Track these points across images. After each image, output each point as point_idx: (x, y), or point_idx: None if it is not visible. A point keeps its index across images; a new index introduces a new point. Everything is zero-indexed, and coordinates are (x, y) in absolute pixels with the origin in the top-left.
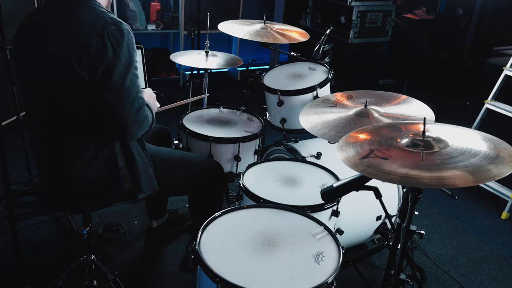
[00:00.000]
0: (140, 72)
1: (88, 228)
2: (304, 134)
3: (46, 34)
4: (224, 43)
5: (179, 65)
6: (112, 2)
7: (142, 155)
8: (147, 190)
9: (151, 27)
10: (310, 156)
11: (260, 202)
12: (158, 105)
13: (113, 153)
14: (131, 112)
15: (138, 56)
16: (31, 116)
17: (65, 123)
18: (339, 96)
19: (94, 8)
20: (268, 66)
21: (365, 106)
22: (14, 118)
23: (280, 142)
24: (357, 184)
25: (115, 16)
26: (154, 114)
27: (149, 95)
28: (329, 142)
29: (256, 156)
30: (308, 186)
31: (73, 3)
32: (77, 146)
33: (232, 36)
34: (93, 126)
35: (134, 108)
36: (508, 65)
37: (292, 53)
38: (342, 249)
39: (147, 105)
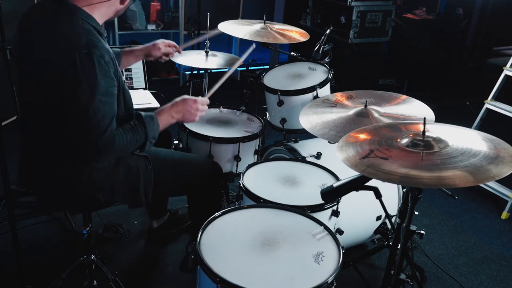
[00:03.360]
0: (140, 72)
1: (88, 228)
2: (304, 134)
3: (32, 40)
4: (224, 43)
5: (179, 65)
6: None
7: (134, 169)
8: (130, 204)
9: (151, 27)
10: (310, 156)
11: (260, 202)
12: (195, 118)
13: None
14: (89, 138)
15: None
16: (26, 114)
17: (46, 129)
18: (339, 96)
19: (75, 21)
20: (268, 66)
21: (365, 106)
22: (14, 118)
23: (280, 142)
24: (357, 184)
25: (96, 37)
26: (147, 133)
27: (181, 108)
28: (329, 142)
29: (256, 156)
30: (308, 186)
31: (59, 11)
32: (62, 150)
33: (232, 36)
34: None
35: (93, 134)
36: (508, 65)
37: (292, 53)
38: (342, 249)
39: (143, 121)
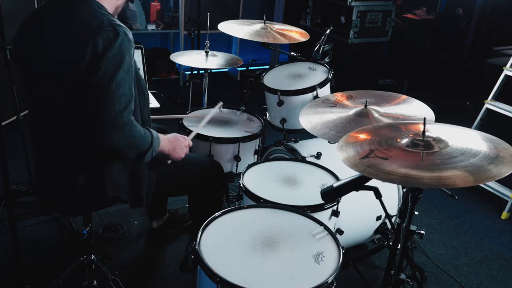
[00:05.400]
0: (140, 72)
1: (88, 228)
2: (304, 134)
3: (44, 35)
4: (224, 43)
5: (179, 65)
6: None
7: (137, 168)
8: (132, 203)
9: (151, 27)
10: (310, 156)
11: (260, 202)
12: (182, 155)
13: (103, 159)
14: (109, 114)
15: (138, 56)
16: (30, 116)
17: (59, 125)
18: (339, 96)
19: (93, 8)
20: (268, 66)
21: (365, 106)
22: (14, 118)
23: (280, 142)
24: (357, 184)
25: (116, 20)
26: (152, 142)
27: (173, 140)
28: (329, 142)
29: (256, 156)
30: (308, 186)
31: (73, 3)
32: (69, 149)
33: (232, 36)
34: (80, 129)
35: (113, 110)
36: (508, 65)
37: (292, 53)
38: (342, 249)
39: (151, 132)
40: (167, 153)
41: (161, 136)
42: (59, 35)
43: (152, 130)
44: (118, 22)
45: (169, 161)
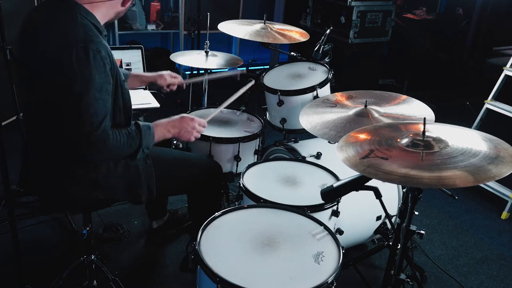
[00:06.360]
0: (139, 72)
1: (88, 228)
2: (304, 134)
3: (37, 38)
4: (224, 43)
5: (179, 65)
6: None
7: (132, 165)
8: (132, 201)
9: (151, 27)
10: (310, 156)
11: (260, 202)
12: (191, 137)
13: (91, 162)
14: (82, 132)
15: (138, 56)
16: (28, 116)
17: (50, 126)
18: (339, 96)
19: (75, 18)
20: (268, 66)
21: (365, 106)
22: (14, 118)
23: (280, 142)
24: (357, 184)
25: (95, 35)
26: (141, 142)
27: (178, 124)
28: (329, 142)
29: (256, 156)
30: (308, 186)
31: (62, 9)
32: (59, 150)
33: (232, 36)
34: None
35: (86, 129)
36: (508, 65)
37: (292, 53)
38: (342, 249)
39: (140, 130)
40: (173, 136)
41: (160, 123)
42: (46, 40)
43: (142, 126)
44: (93, 37)
45: (177, 142)
